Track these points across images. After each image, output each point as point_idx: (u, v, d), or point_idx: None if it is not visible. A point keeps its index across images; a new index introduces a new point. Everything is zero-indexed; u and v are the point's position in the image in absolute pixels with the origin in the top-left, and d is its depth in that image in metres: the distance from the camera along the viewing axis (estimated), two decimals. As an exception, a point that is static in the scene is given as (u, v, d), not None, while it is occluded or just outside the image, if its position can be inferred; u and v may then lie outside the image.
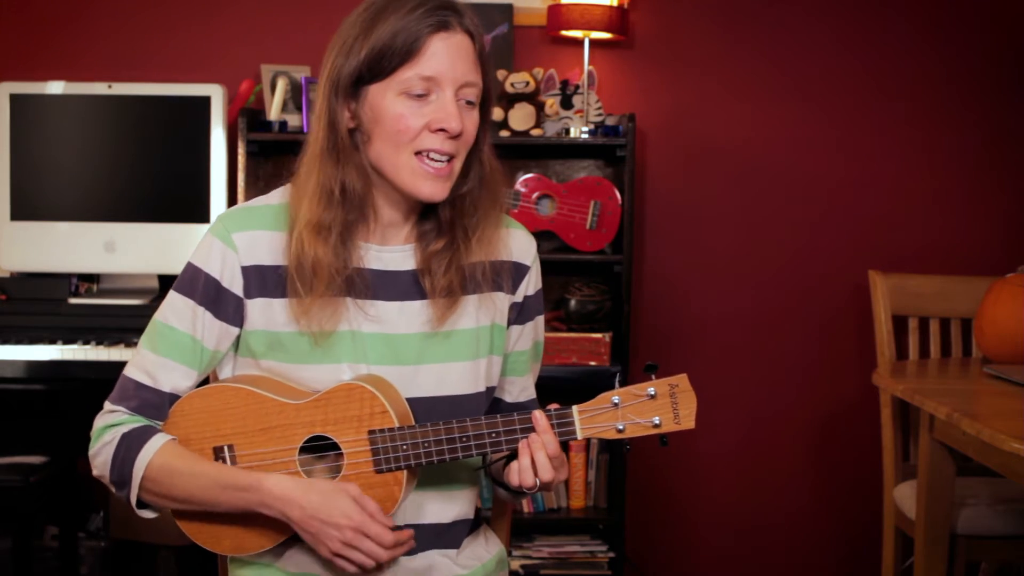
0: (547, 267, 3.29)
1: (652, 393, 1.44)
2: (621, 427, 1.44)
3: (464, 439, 1.45)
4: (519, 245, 1.63)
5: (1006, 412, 2.15)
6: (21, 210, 3.02)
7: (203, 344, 1.52)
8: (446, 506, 1.59)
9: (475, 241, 1.55)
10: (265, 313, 1.52)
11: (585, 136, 3.16)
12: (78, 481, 3.00)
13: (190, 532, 1.54)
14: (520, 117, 3.18)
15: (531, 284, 1.65)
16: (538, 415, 1.45)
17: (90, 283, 3.11)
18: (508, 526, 1.87)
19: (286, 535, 1.50)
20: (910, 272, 3.25)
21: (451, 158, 1.48)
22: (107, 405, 1.55)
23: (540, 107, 3.20)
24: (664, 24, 3.38)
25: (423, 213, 1.57)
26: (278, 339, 1.51)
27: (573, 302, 3.18)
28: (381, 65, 1.45)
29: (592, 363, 3.11)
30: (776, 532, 3.47)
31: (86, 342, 2.82)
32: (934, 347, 3.06)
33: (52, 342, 2.83)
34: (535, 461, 1.44)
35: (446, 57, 1.46)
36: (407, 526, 1.54)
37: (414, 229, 1.57)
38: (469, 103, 1.50)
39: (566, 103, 3.22)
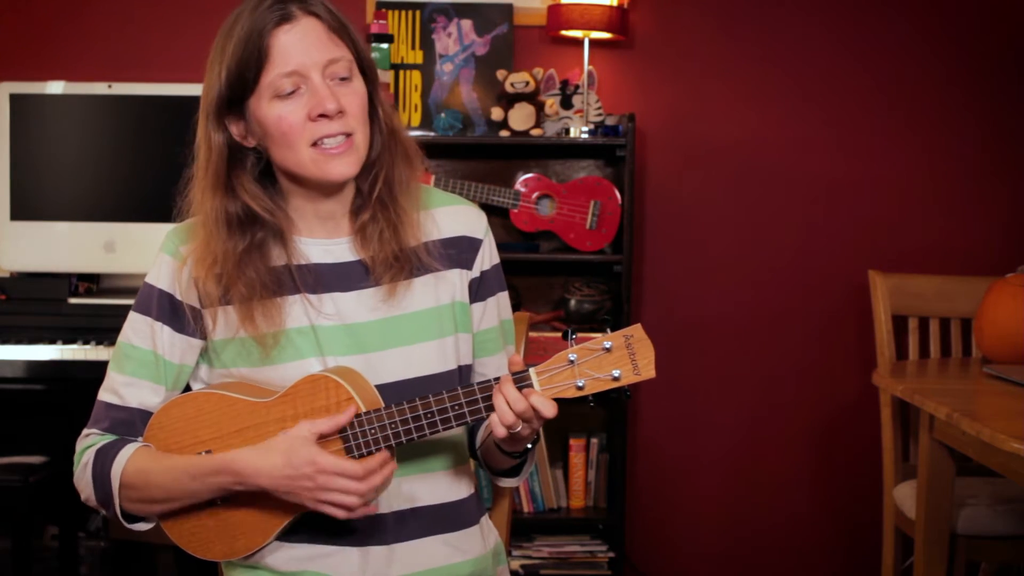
0: (547, 267, 3.33)
1: (608, 346, 1.43)
2: (581, 384, 1.43)
3: (429, 415, 1.45)
4: (463, 219, 1.63)
5: (1006, 412, 2.15)
6: (21, 210, 3.02)
7: (166, 359, 1.55)
8: (437, 489, 1.59)
9: (397, 216, 1.55)
10: (224, 320, 1.53)
11: (585, 136, 3.16)
12: (78, 481, 3.00)
13: (181, 542, 1.56)
14: (520, 117, 3.18)
15: (486, 258, 1.64)
16: (503, 376, 1.45)
17: (90, 283, 3.11)
18: (508, 526, 1.87)
19: (273, 533, 1.51)
20: (910, 272, 3.25)
21: (348, 135, 1.49)
22: (83, 431, 1.58)
23: (540, 107, 3.20)
24: (664, 24, 3.38)
25: (355, 195, 1.58)
26: (243, 344, 1.53)
27: (573, 302, 3.18)
28: (243, 79, 1.47)
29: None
30: (776, 532, 3.47)
31: (86, 342, 2.82)
32: (934, 347, 3.06)
33: (52, 342, 2.83)
34: (496, 409, 1.43)
35: (297, 47, 1.46)
36: (396, 513, 1.54)
37: (351, 216, 1.58)
38: (343, 79, 1.49)
39: (566, 103, 3.22)
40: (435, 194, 1.64)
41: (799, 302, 3.43)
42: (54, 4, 3.31)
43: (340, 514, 1.44)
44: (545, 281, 3.35)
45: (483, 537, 1.65)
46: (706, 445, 3.45)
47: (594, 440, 3.27)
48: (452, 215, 1.62)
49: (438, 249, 1.58)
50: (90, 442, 1.55)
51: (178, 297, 1.54)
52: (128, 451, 1.52)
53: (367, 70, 1.53)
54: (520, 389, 1.43)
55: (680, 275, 3.42)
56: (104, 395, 1.57)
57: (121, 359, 1.56)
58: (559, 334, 3.13)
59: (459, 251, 1.61)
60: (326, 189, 1.53)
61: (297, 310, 1.53)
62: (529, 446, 1.55)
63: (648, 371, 1.44)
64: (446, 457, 1.60)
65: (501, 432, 1.43)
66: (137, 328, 1.56)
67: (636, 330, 1.44)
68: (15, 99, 3.01)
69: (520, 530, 3.22)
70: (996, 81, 3.40)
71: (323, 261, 1.55)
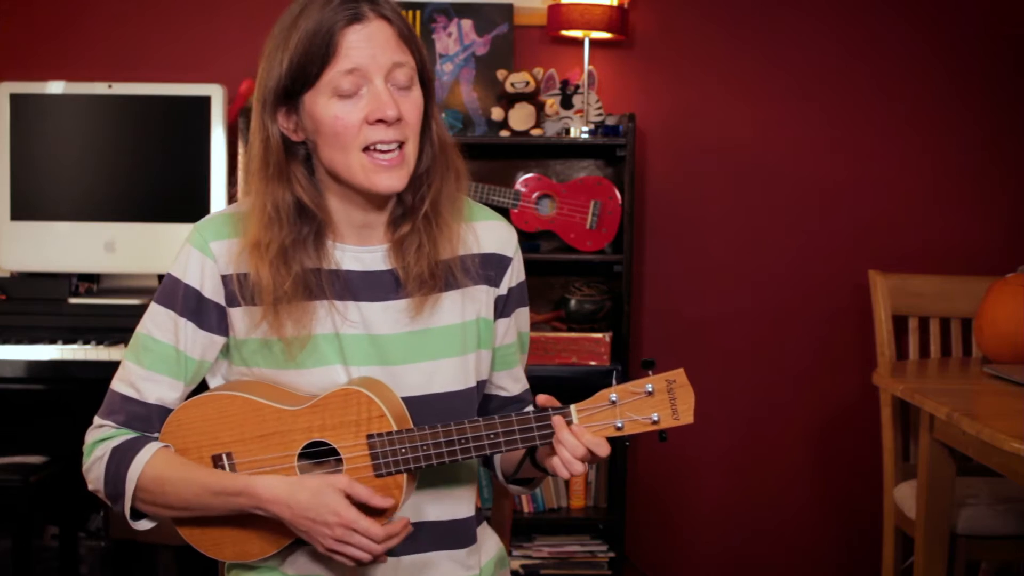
0: (547, 267, 3.33)
1: (650, 389, 1.43)
2: (620, 424, 1.43)
3: (463, 441, 1.44)
4: (499, 236, 1.61)
5: (1006, 412, 2.15)
6: (21, 210, 3.02)
7: (187, 355, 1.53)
8: (446, 506, 1.58)
9: (438, 229, 1.53)
10: (250, 320, 1.51)
11: (585, 136, 3.16)
12: (78, 481, 2.99)
13: (192, 540, 1.54)
14: (520, 117, 3.18)
15: (514, 276, 1.63)
16: (556, 420, 1.43)
17: (90, 283, 3.11)
18: (508, 526, 1.87)
19: (288, 540, 1.50)
20: (910, 272, 3.25)
21: (400, 145, 1.47)
22: (96, 420, 1.55)
23: (540, 107, 3.20)
24: (664, 24, 3.38)
25: (394, 207, 1.56)
26: (267, 345, 1.51)
27: (573, 302, 3.18)
28: (305, 73, 1.45)
29: (592, 363, 3.11)
30: (776, 532, 3.47)
31: (86, 342, 2.82)
32: (934, 347, 3.06)
33: (52, 342, 2.83)
34: (561, 460, 1.44)
35: (365, 48, 1.44)
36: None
37: (389, 224, 1.56)
38: (404, 87, 1.47)
39: (566, 103, 3.22)
40: (472, 207, 1.62)
41: (799, 302, 3.43)
42: (54, 4, 3.31)
43: (348, 563, 1.44)
44: (545, 281, 3.35)
45: (485, 548, 1.65)
46: (706, 445, 3.45)
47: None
48: (491, 230, 1.61)
49: (474, 265, 1.57)
50: (105, 434, 1.52)
51: (205, 294, 1.51)
52: (147, 454, 1.49)
53: (427, 82, 1.52)
54: (575, 426, 1.44)
55: (680, 275, 3.42)
56: (120, 386, 1.54)
57: (140, 351, 1.54)
58: (559, 334, 3.13)
59: (489, 268, 1.59)
60: (368, 197, 1.51)
61: (323, 315, 1.51)
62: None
63: (687, 417, 1.43)
64: (458, 476, 1.60)
65: (565, 475, 1.44)
66: (159, 321, 1.53)
67: (679, 375, 1.44)
68: (15, 99, 3.01)
69: (520, 530, 3.22)
70: (996, 81, 3.40)
71: (353, 268, 1.53)
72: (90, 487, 1.54)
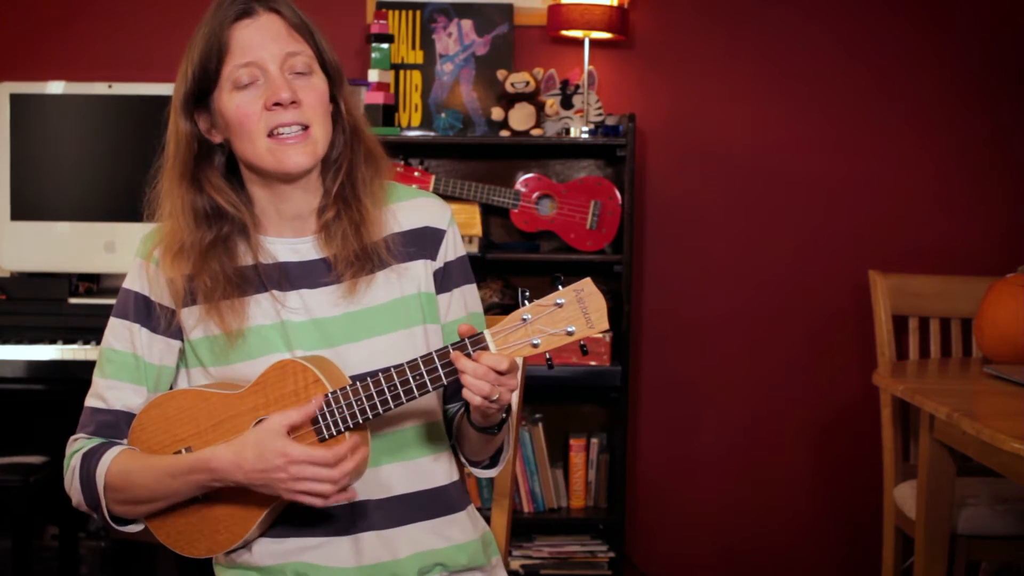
0: (547, 267, 3.33)
1: (560, 302, 1.43)
2: (536, 341, 1.44)
3: (392, 387, 1.46)
4: (427, 211, 1.65)
5: (1006, 412, 2.15)
6: (21, 210, 3.02)
7: (146, 360, 1.58)
8: (413, 477, 1.60)
9: (359, 214, 1.58)
10: (199, 321, 1.57)
11: (585, 136, 3.16)
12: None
13: (168, 542, 1.58)
14: (520, 117, 3.18)
15: (450, 249, 1.66)
16: (452, 349, 1.46)
17: (90, 283, 3.11)
18: (508, 526, 1.87)
19: (252, 525, 1.52)
20: (910, 272, 3.24)
21: (306, 126, 1.52)
22: (71, 438, 1.60)
23: (540, 107, 3.20)
24: (664, 24, 3.38)
25: (321, 195, 1.61)
26: (215, 342, 1.56)
27: (573, 302, 3.18)
28: (207, 72, 1.52)
29: (592, 363, 3.11)
30: (776, 532, 3.47)
31: (86, 342, 2.82)
32: (934, 347, 3.06)
33: (52, 342, 2.83)
34: (465, 385, 1.44)
35: (255, 40, 1.51)
36: (376, 501, 1.56)
37: (317, 216, 1.61)
38: (301, 73, 1.53)
39: (566, 103, 3.22)
40: (398, 189, 1.67)
41: (799, 302, 3.43)
42: (54, 4, 3.31)
43: (316, 502, 1.45)
44: (545, 281, 3.35)
45: (471, 524, 1.65)
46: (706, 445, 3.45)
47: (594, 440, 3.27)
48: (413, 208, 1.65)
49: (399, 243, 1.60)
50: (77, 447, 1.57)
51: (152, 298, 1.58)
52: (112, 454, 1.54)
53: (329, 69, 1.57)
54: (471, 351, 1.45)
55: (680, 275, 3.42)
56: (89, 400, 1.60)
57: (103, 364, 1.60)
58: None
59: (422, 242, 1.63)
60: (287, 182, 1.56)
61: (266, 307, 1.56)
62: (504, 415, 1.55)
63: (601, 323, 1.44)
64: (423, 444, 1.61)
65: (476, 401, 1.44)
66: (116, 332, 1.60)
67: (586, 284, 1.44)
68: (15, 99, 3.01)
69: (520, 530, 3.22)
70: (996, 81, 3.40)
71: (289, 260, 1.59)
72: (73, 502, 1.58)
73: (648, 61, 3.38)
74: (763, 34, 3.39)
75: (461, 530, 1.63)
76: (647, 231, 3.41)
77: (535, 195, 3.21)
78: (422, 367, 1.46)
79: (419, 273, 1.62)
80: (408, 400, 1.47)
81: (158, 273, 1.58)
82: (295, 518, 1.55)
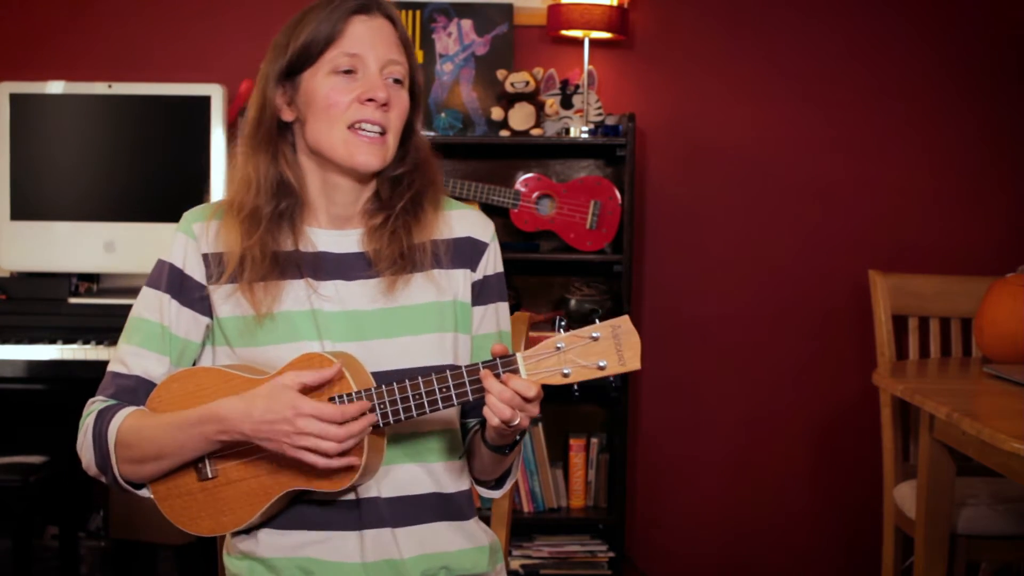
0: (547, 267, 3.33)
1: (596, 336, 1.44)
2: (567, 371, 1.44)
3: (417, 396, 1.47)
4: (472, 223, 1.68)
5: (1006, 412, 2.15)
6: (21, 210, 3.02)
7: (171, 332, 1.59)
8: (429, 480, 1.60)
9: (414, 218, 1.61)
10: (230, 300, 1.58)
11: (585, 136, 3.16)
12: (78, 481, 3.00)
13: (170, 516, 1.57)
14: (520, 117, 3.18)
15: (491, 263, 1.68)
16: (483, 368, 1.46)
17: (90, 283, 3.11)
18: (508, 526, 1.87)
19: (259, 510, 1.53)
20: (910, 272, 3.25)
21: (384, 132, 1.56)
22: (89, 400, 1.61)
23: (540, 107, 3.20)
24: (664, 24, 3.38)
25: (369, 200, 1.63)
26: (244, 323, 1.57)
27: (573, 302, 3.18)
28: (309, 52, 1.56)
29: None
30: (776, 532, 3.47)
31: (86, 342, 2.82)
32: (934, 347, 3.06)
33: (52, 342, 2.83)
34: (488, 405, 1.45)
35: (367, 36, 1.56)
36: (390, 499, 1.55)
37: (363, 215, 1.63)
38: (397, 81, 1.58)
39: (566, 103, 3.22)
40: (451, 201, 1.70)
41: (799, 302, 3.43)
42: (54, 4, 3.31)
43: (319, 461, 1.44)
44: (545, 281, 3.35)
45: (481, 532, 1.66)
46: (706, 445, 3.45)
47: (594, 440, 3.27)
48: (459, 218, 1.67)
49: (442, 250, 1.63)
50: (93, 408, 1.58)
51: (186, 271, 1.60)
52: (125, 411, 1.55)
53: (415, 91, 1.62)
54: (500, 373, 1.45)
55: (680, 275, 3.42)
56: (112, 365, 1.61)
57: (130, 331, 1.61)
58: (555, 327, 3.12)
59: (465, 253, 1.65)
60: (344, 175, 1.58)
61: (299, 293, 1.57)
62: (517, 437, 1.56)
63: (634, 363, 1.44)
64: (439, 451, 1.62)
65: (494, 422, 1.44)
66: (147, 301, 1.61)
67: (624, 321, 1.45)
68: (15, 99, 3.01)
69: (520, 530, 3.22)
70: (996, 81, 3.40)
71: (329, 250, 1.60)
72: (84, 463, 1.59)
73: (648, 61, 3.38)
74: (763, 34, 3.39)
75: (470, 536, 1.63)
76: (647, 231, 3.41)
77: (535, 195, 3.21)
78: (450, 380, 1.47)
79: (458, 282, 1.64)
80: (431, 411, 1.48)
81: (196, 248, 1.60)
82: (303, 512, 1.56)
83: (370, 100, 1.54)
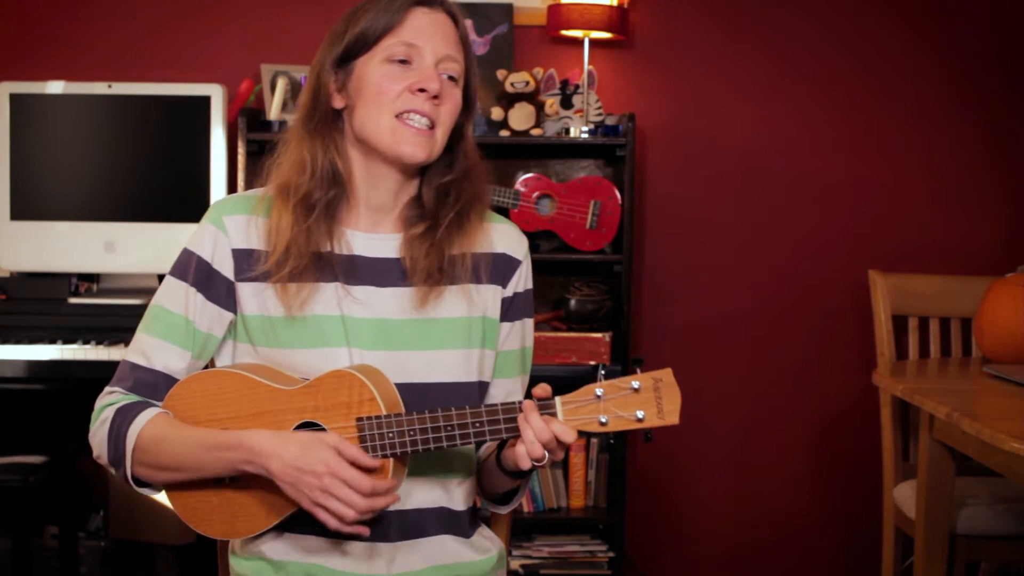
0: (547, 267, 3.33)
1: (636, 387, 1.42)
2: (604, 420, 1.42)
3: (449, 428, 1.45)
4: (509, 239, 1.66)
5: (1006, 412, 2.15)
6: (21, 210, 3.02)
7: (195, 326, 1.56)
8: (441, 495, 1.59)
9: (457, 229, 1.58)
10: (257, 298, 1.55)
11: (585, 136, 3.16)
12: (78, 481, 3.00)
13: (184, 516, 1.55)
14: (520, 117, 3.18)
15: (522, 280, 1.66)
16: (527, 402, 1.45)
17: (90, 283, 3.11)
18: (508, 526, 1.87)
19: (277, 518, 1.51)
20: (910, 272, 3.25)
21: (433, 126, 1.53)
22: (106, 388, 1.58)
23: (540, 107, 3.20)
24: (664, 24, 3.38)
25: (409, 202, 1.60)
26: (271, 324, 1.54)
27: (573, 302, 3.18)
28: (366, 38, 1.53)
29: (592, 363, 3.11)
30: (776, 532, 3.47)
31: (86, 342, 2.82)
32: (934, 347, 3.06)
33: (52, 342, 2.83)
34: (525, 440, 1.43)
35: (427, 27, 1.54)
36: (400, 512, 1.54)
37: (401, 217, 1.60)
38: (451, 78, 1.55)
39: (566, 103, 3.22)
40: (491, 213, 1.67)
41: (799, 302, 3.43)
42: (54, 4, 3.31)
43: (332, 523, 1.43)
44: (545, 281, 3.35)
45: (489, 543, 1.66)
46: (706, 445, 3.45)
47: (594, 440, 3.27)
48: (496, 233, 1.65)
49: (477, 264, 1.60)
50: (111, 400, 1.55)
51: (215, 266, 1.56)
52: (148, 415, 1.52)
53: (470, 92, 1.60)
54: (542, 415, 1.43)
55: (680, 275, 3.42)
56: (130, 355, 1.58)
57: (151, 321, 1.57)
58: (559, 334, 3.13)
59: (498, 268, 1.63)
60: (388, 164, 1.55)
61: (330, 297, 1.54)
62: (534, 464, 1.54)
63: (672, 418, 1.42)
64: (454, 468, 1.61)
65: (526, 464, 1.43)
66: (171, 292, 1.57)
67: (666, 374, 1.43)
68: (15, 99, 3.01)
69: (520, 530, 3.23)
70: (996, 81, 3.40)
71: (364, 254, 1.58)
72: (95, 452, 1.56)
73: (648, 61, 3.38)
74: (763, 34, 3.39)
75: (478, 548, 1.63)
76: (647, 231, 3.41)
77: (535, 195, 3.21)
78: (484, 416, 1.45)
79: (488, 298, 1.62)
80: (462, 444, 1.46)
81: (226, 243, 1.56)
82: (313, 517, 1.53)
83: (421, 91, 1.51)
